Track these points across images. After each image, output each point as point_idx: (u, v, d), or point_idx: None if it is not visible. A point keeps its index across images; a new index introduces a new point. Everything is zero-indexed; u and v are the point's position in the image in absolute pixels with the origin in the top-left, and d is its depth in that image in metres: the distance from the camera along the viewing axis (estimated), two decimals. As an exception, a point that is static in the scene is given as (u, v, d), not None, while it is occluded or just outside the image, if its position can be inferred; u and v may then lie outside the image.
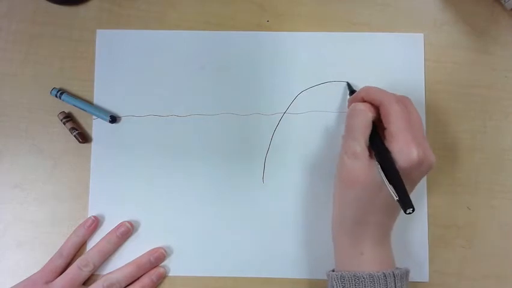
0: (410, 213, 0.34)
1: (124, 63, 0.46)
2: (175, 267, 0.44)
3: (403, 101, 0.38)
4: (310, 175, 0.44)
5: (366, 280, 0.35)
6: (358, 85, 0.45)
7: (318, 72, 0.45)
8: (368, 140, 0.37)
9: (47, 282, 0.41)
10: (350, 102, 0.41)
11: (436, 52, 0.45)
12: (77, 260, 0.42)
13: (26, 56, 0.46)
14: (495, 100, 0.45)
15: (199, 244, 0.44)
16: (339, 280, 0.36)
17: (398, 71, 0.45)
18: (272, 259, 0.43)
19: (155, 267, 0.43)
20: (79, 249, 0.43)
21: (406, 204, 0.34)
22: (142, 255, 0.43)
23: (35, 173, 0.45)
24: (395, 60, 0.45)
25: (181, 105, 0.45)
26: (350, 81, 0.45)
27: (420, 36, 0.45)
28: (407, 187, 0.35)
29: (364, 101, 0.39)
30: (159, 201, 0.44)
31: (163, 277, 0.43)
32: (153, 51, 0.46)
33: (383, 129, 0.37)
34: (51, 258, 0.42)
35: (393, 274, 0.35)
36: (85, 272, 0.42)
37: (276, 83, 0.45)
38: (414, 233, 0.43)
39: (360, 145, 0.36)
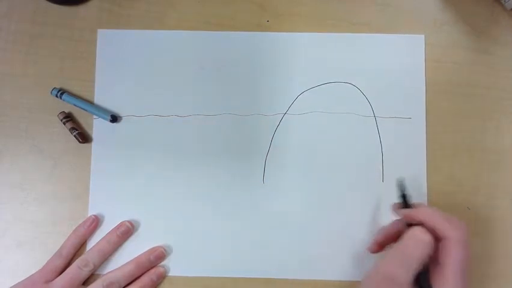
0: None
1: (125, 63, 0.46)
2: (175, 267, 0.44)
3: (465, 238, 0.34)
4: (311, 176, 0.44)
5: None
6: (359, 87, 0.45)
7: (319, 72, 0.45)
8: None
9: (47, 282, 0.41)
10: (405, 215, 0.37)
11: (436, 52, 0.45)
12: (77, 260, 0.42)
13: (26, 56, 0.46)
14: (495, 100, 0.45)
15: (199, 244, 0.44)
16: None
17: (398, 72, 0.45)
18: (272, 259, 0.43)
19: (154, 266, 0.43)
20: (79, 249, 0.43)
21: None
22: (142, 254, 0.43)
23: (35, 173, 0.45)
24: (395, 61, 0.45)
25: (182, 105, 0.45)
26: (350, 82, 0.45)
27: (421, 37, 0.45)
28: None
29: (422, 224, 0.35)
30: (159, 201, 0.44)
31: (163, 277, 0.43)
32: (153, 51, 0.46)
33: (434, 260, 0.34)
34: (51, 258, 0.42)
35: None
36: (85, 272, 0.42)
37: (276, 84, 0.45)
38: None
39: (408, 277, 0.33)
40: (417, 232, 0.34)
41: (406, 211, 0.37)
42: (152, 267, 0.43)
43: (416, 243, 0.34)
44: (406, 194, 0.39)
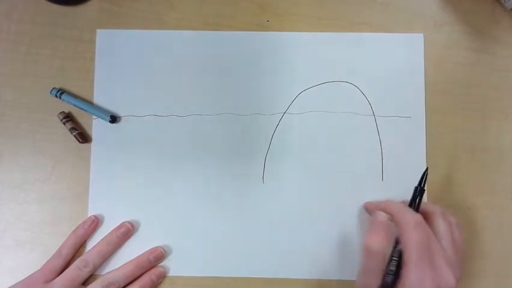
0: None
1: (124, 63, 0.46)
2: (174, 267, 0.44)
3: (419, 221, 0.35)
4: (310, 175, 0.44)
5: None
6: (359, 86, 0.45)
7: (318, 72, 0.45)
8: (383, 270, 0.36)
9: (46, 282, 0.41)
10: (373, 207, 0.41)
11: (436, 52, 0.45)
12: (77, 260, 0.42)
13: (26, 56, 0.46)
14: (495, 100, 0.45)
15: (199, 244, 0.44)
16: None
17: (398, 71, 0.45)
18: (272, 259, 0.43)
19: (154, 266, 0.43)
20: (79, 249, 0.43)
21: None
22: (141, 254, 0.43)
23: (35, 173, 0.45)
24: (395, 61, 0.45)
25: (181, 105, 0.45)
26: (350, 81, 0.45)
27: (420, 36, 0.45)
28: None
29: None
30: (159, 201, 0.44)
31: (162, 276, 0.43)
32: (153, 51, 0.46)
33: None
34: (50, 258, 0.42)
35: None
36: (84, 272, 0.42)
37: (276, 83, 0.45)
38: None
39: (377, 282, 0.36)
40: (366, 242, 0.36)
41: (372, 204, 0.42)
42: (151, 267, 0.43)
43: (369, 254, 0.36)
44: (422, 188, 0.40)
